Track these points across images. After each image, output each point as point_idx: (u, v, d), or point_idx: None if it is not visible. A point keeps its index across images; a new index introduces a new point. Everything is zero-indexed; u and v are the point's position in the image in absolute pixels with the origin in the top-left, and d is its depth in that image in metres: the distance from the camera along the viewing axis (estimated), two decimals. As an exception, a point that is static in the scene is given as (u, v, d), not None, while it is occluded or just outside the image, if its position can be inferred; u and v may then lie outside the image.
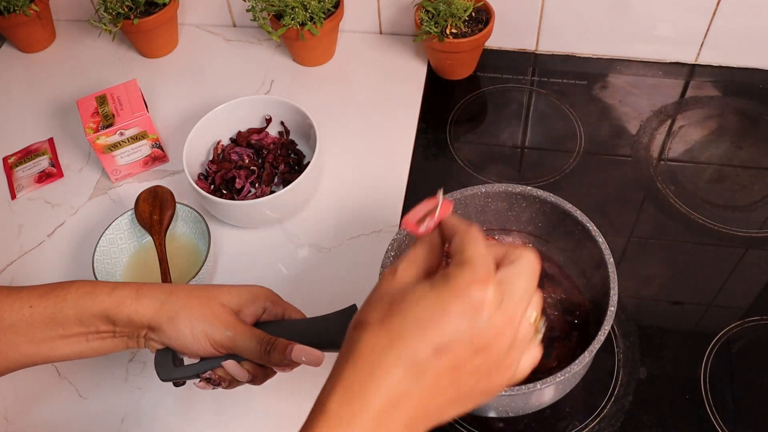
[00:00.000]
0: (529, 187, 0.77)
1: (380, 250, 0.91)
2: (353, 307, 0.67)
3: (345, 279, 0.89)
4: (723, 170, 0.98)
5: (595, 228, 0.74)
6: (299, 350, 0.63)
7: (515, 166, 1.01)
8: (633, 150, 1.01)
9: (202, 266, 0.84)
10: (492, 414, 0.76)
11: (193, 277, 0.83)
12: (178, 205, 0.91)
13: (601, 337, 0.66)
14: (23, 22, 1.15)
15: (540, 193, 0.77)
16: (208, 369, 0.64)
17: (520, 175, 0.99)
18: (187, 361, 0.66)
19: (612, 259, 0.71)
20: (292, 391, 0.80)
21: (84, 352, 0.64)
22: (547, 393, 0.72)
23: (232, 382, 0.65)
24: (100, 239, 0.88)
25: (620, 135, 1.03)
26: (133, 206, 0.91)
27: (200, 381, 0.65)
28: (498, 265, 0.47)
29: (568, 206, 0.76)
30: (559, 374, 0.64)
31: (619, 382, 0.79)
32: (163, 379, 0.65)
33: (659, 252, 0.90)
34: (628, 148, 1.01)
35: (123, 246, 0.91)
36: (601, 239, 0.73)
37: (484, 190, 0.78)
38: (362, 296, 0.89)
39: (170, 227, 0.91)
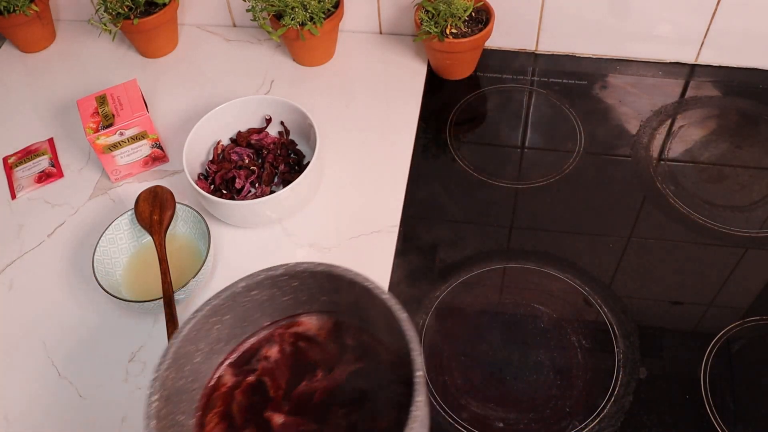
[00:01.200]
0: (292, 263, 0.63)
1: (380, 251, 0.91)
2: None
3: (345, 279, 0.89)
4: (723, 170, 0.98)
5: (378, 286, 0.60)
6: None
7: (515, 166, 1.01)
8: (633, 150, 1.01)
9: (202, 266, 0.84)
10: None
11: (193, 277, 0.83)
12: (177, 205, 0.91)
13: (414, 415, 0.53)
14: (23, 22, 1.15)
15: (307, 265, 0.62)
16: None
17: (520, 174, 0.99)
18: None
19: (404, 314, 0.58)
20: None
21: None
22: None
23: None
24: (100, 239, 0.88)
25: (620, 135, 1.03)
26: (133, 206, 0.91)
27: None
28: None
29: (340, 270, 0.62)
30: None
31: (619, 382, 0.79)
32: None
33: (659, 252, 0.90)
34: (628, 148, 1.01)
35: (123, 246, 0.91)
36: (386, 296, 0.59)
37: (244, 284, 0.63)
38: (362, 296, 0.88)
39: (170, 227, 0.91)
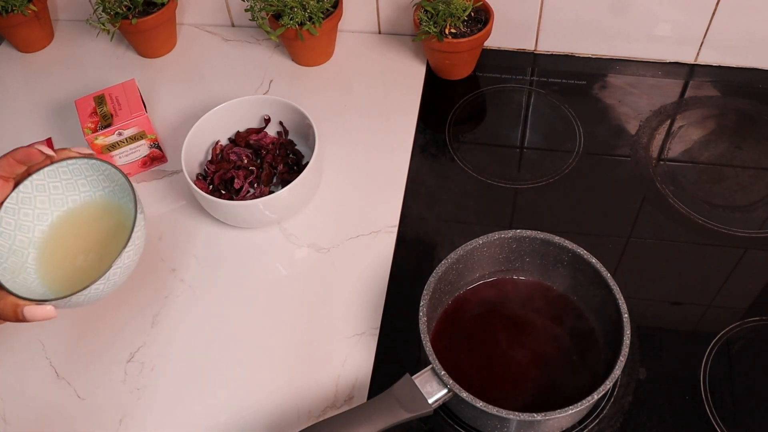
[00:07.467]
0: (519, 230, 0.81)
1: (379, 251, 0.91)
2: (406, 377, 0.71)
3: (344, 279, 0.89)
4: (722, 170, 0.98)
5: (587, 252, 0.78)
6: (30, 311, 0.59)
7: (514, 166, 1.01)
8: (632, 150, 1.01)
9: (129, 240, 0.61)
10: None
11: (117, 258, 0.62)
12: (63, 162, 0.66)
13: (609, 383, 0.69)
14: (21, 22, 1.15)
15: (530, 233, 0.80)
16: None
17: (519, 175, 0.99)
18: None
19: (624, 304, 0.74)
20: (294, 392, 0.80)
21: None
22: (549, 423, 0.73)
23: None
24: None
25: (619, 135, 1.03)
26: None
27: None
28: None
29: (556, 239, 0.80)
30: (557, 411, 0.68)
31: (619, 382, 0.79)
32: None
33: (659, 252, 0.90)
34: (628, 148, 1.01)
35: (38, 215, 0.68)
36: (594, 259, 0.78)
37: (482, 242, 0.80)
38: (362, 298, 0.89)
39: (60, 190, 0.68)
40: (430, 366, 0.71)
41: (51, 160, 0.65)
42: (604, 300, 0.76)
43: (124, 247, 0.62)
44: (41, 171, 0.66)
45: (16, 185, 0.65)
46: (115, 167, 0.66)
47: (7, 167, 0.64)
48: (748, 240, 0.90)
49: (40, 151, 0.64)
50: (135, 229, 0.63)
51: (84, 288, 0.61)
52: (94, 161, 0.66)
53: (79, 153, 0.66)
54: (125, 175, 0.65)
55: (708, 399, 0.77)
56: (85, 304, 0.63)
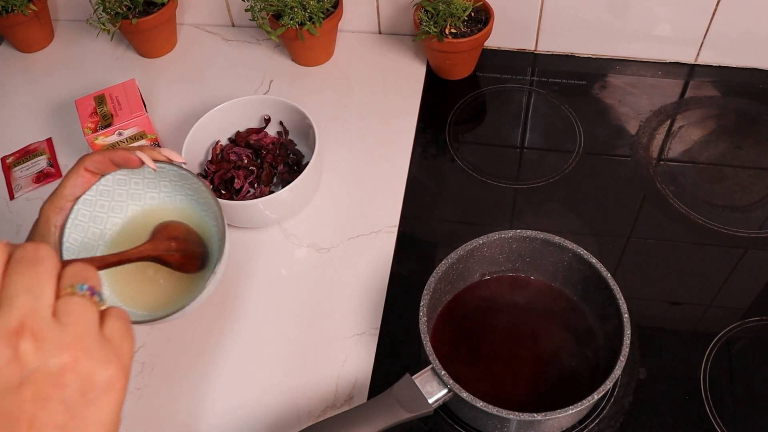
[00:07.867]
0: (519, 230, 0.80)
1: (379, 251, 0.91)
2: (406, 377, 0.70)
3: (344, 280, 0.89)
4: (722, 170, 0.98)
5: (587, 252, 0.78)
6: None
7: (514, 166, 1.01)
8: (632, 150, 1.01)
9: (221, 257, 0.62)
10: None
11: (212, 271, 0.63)
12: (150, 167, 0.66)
13: (609, 383, 0.69)
14: (21, 22, 1.15)
15: (530, 232, 0.80)
16: None
17: (519, 175, 0.99)
18: None
19: (624, 304, 0.74)
20: (294, 393, 0.80)
21: None
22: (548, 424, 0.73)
23: None
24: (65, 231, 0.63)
25: (620, 135, 1.03)
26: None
27: None
28: None
29: (557, 239, 0.79)
30: (557, 411, 0.68)
31: (618, 383, 0.79)
32: None
33: (659, 252, 0.90)
34: (628, 148, 1.01)
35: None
36: (594, 260, 0.77)
37: (482, 242, 0.80)
38: (362, 298, 0.89)
39: (140, 192, 0.68)
40: (430, 366, 0.71)
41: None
42: (604, 300, 0.76)
43: (206, 283, 0.61)
44: (126, 168, 0.66)
45: None
46: (201, 180, 0.65)
47: (100, 164, 0.64)
48: (748, 240, 0.90)
49: (140, 159, 0.63)
50: (221, 261, 0.62)
51: (152, 319, 0.61)
52: (183, 171, 0.66)
53: (168, 158, 0.66)
54: (210, 190, 0.65)
55: (708, 399, 0.77)
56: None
